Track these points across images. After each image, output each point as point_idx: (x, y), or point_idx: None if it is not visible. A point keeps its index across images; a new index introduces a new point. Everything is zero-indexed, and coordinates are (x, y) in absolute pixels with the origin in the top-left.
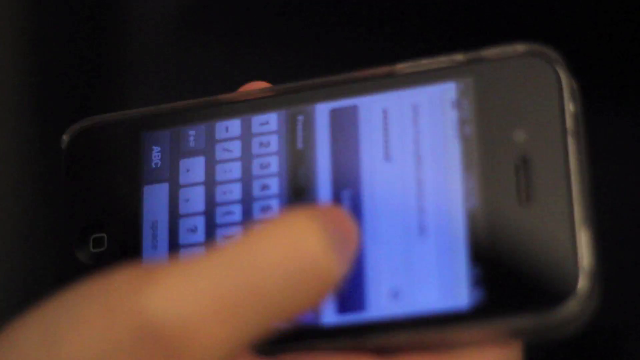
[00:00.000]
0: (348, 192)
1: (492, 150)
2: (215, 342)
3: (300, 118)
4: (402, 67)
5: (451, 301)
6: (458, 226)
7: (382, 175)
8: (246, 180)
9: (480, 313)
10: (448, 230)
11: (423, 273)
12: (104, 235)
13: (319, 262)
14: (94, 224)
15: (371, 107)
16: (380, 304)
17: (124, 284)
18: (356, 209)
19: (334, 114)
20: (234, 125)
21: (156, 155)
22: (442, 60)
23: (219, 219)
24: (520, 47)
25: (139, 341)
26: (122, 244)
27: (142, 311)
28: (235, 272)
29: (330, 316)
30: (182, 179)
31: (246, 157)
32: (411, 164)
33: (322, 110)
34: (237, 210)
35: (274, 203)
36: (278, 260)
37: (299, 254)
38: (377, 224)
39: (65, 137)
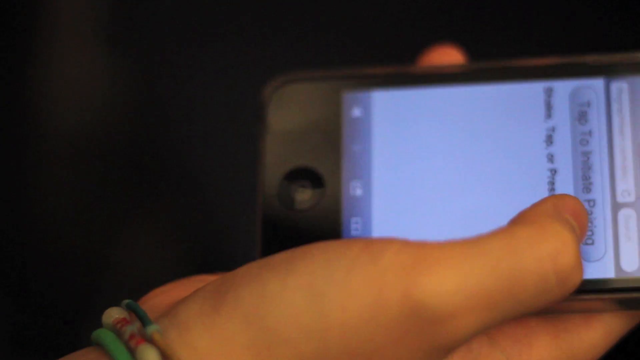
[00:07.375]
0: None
1: None
2: (468, 328)
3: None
4: None
5: None
6: None
7: None
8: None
9: None
10: None
11: None
12: (307, 183)
13: (571, 275)
14: (297, 173)
15: None
16: None
17: (397, 264)
18: None
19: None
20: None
21: (358, 114)
22: None
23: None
24: None
25: (404, 317)
26: (325, 196)
27: (413, 294)
28: (501, 271)
29: None
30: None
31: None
32: None
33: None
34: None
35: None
36: (539, 266)
37: (557, 267)
38: None
39: (267, 89)
